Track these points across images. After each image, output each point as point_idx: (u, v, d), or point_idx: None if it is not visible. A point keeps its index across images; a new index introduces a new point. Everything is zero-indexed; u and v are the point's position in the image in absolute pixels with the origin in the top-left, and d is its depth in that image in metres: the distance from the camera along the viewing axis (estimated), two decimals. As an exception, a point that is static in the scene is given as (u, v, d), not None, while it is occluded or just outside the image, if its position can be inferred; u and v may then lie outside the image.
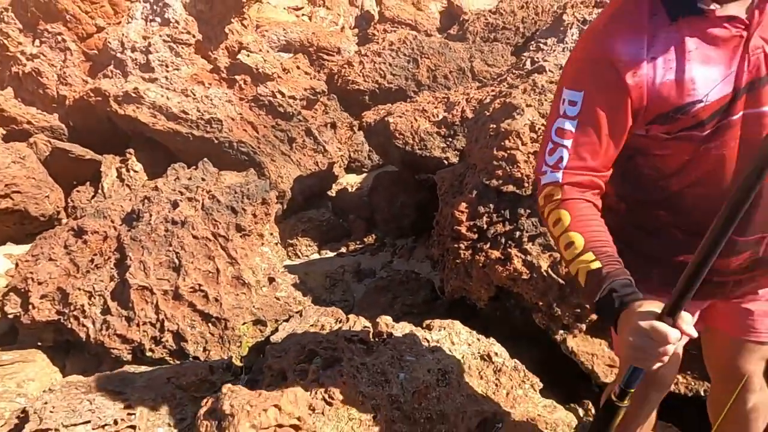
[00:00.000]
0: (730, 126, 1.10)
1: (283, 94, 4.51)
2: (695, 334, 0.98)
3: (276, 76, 4.59)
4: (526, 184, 2.36)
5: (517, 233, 2.37)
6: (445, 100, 3.62)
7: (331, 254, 4.08)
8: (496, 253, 2.41)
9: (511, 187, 2.38)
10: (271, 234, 3.30)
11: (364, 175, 5.08)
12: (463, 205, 2.49)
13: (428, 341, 2.24)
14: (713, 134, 1.10)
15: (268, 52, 5.15)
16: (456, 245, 2.51)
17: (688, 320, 0.95)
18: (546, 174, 1.15)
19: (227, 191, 3.03)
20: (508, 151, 2.38)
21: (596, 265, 1.05)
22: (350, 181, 5.01)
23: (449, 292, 2.61)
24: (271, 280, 3.04)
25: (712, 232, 0.85)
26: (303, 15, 9.04)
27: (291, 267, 3.79)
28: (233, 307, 2.83)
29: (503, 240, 2.40)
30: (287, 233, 4.12)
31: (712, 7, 1.04)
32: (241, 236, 2.97)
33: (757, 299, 1.37)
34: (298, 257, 4.04)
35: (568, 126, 1.12)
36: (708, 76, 1.07)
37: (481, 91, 3.59)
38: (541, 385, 2.21)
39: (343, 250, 4.10)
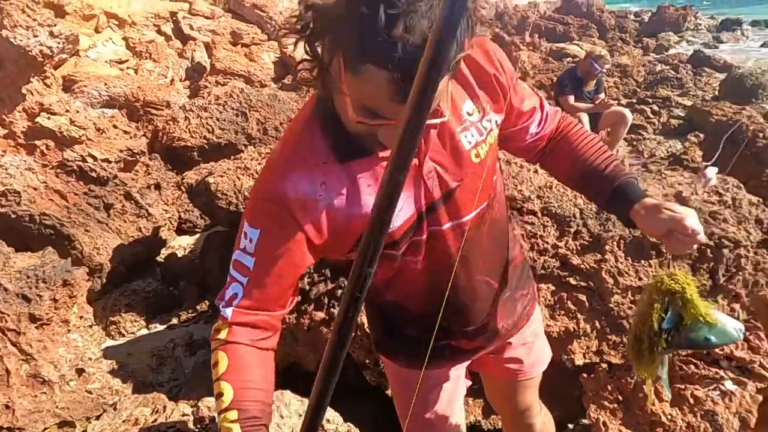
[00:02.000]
0: (420, 244, 1.15)
1: (94, 158, 4.13)
2: None
3: (85, 138, 4.20)
4: (343, 241, 2.33)
5: (339, 291, 2.33)
6: (268, 155, 3.54)
7: (161, 327, 3.74)
8: (320, 315, 2.34)
9: (328, 245, 2.33)
10: (81, 317, 2.93)
11: (198, 235, 4.80)
12: (283, 267, 2.39)
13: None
14: (408, 251, 1.15)
15: (78, 112, 4.73)
16: (280, 310, 2.40)
17: None
18: (220, 306, 1.09)
19: (17, 277, 2.64)
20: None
21: (235, 429, 0.99)
22: (182, 243, 4.70)
23: (278, 361, 2.47)
24: (80, 371, 2.68)
25: (317, 384, 0.79)
26: (128, 68, 8.52)
27: (111, 349, 3.40)
28: (30, 412, 2.43)
29: (326, 300, 2.34)
30: (108, 310, 3.71)
31: (373, 149, 1.05)
32: (37, 327, 2.59)
33: (512, 347, 1.48)
34: (123, 335, 3.65)
35: (246, 262, 1.06)
36: None
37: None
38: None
39: (175, 321, 3.78)
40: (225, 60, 9.05)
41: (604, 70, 5.76)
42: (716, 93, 9.12)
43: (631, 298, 2.24)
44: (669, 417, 1.90)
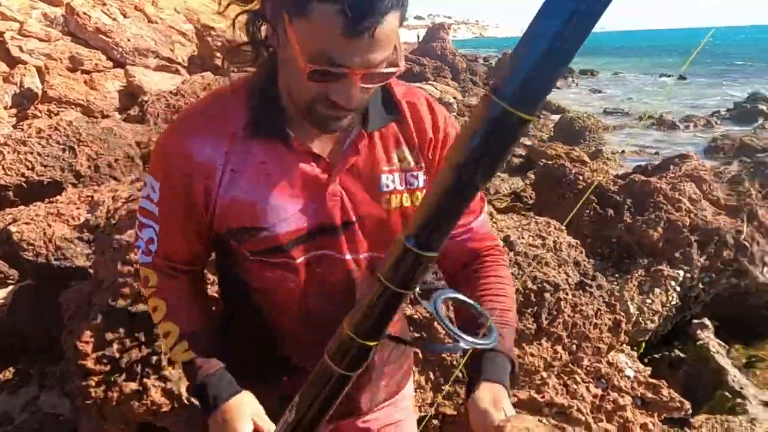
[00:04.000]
0: (303, 264, 1.06)
1: None
2: None
3: None
4: (159, 301, 2.09)
5: (155, 357, 2.07)
6: (89, 199, 3.18)
7: (-49, 403, 3.13)
8: (132, 386, 2.06)
9: (141, 306, 2.08)
10: None
11: (10, 288, 4.18)
12: (88, 333, 2.09)
13: None
14: (297, 267, 1.07)
15: None
16: (85, 383, 2.08)
17: None
18: (140, 253, 1.12)
19: None
20: (134, 266, 2.09)
21: (189, 356, 1.06)
22: (-12, 297, 4.05)
23: (83, 442, 2.14)
24: None
25: None
26: (-62, 92, 7.45)
27: None
28: None
29: (139, 368, 2.07)
30: None
31: (292, 134, 1.00)
32: None
33: (392, 421, 1.33)
34: None
35: (153, 209, 1.07)
36: (279, 206, 1.01)
37: (133, 185, 3.24)
38: None
39: (-32, 394, 3.20)
40: (60, 87, 8.26)
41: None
42: (551, 134, 10.03)
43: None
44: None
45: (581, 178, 3.95)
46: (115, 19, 10.26)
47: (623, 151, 9.88)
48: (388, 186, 1.06)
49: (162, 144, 1.06)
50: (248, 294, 1.13)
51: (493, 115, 0.52)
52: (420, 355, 2.23)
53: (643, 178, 3.74)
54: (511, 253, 2.51)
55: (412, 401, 1.48)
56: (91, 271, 2.92)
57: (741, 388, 2.98)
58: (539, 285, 2.40)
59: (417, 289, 0.67)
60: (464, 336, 0.71)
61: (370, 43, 0.83)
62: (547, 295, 2.38)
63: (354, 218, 1.05)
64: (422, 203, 0.63)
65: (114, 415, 2.08)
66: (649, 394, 2.23)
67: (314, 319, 1.09)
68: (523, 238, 2.69)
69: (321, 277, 1.07)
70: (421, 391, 2.21)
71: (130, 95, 8.97)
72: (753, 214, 3.62)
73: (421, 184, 1.09)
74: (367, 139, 1.03)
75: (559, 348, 2.33)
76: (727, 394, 2.96)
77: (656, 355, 3.52)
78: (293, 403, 0.77)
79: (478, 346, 0.75)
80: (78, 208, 3.14)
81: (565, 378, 2.11)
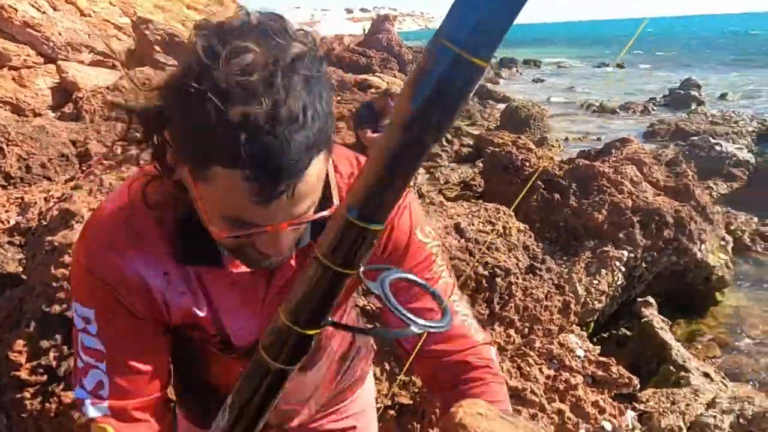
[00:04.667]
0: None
1: None
2: None
3: None
4: (98, 304, 1.98)
5: (96, 364, 1.97)
6: (19, 201, 2.99)
7: None
8: (71, 395, 1.95)
9: (78, 311, 1.96)
10: None
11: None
12: (20, 342, 1.96)
13: None
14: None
15: None
16: (19, 396, 1.95)
17: None
18: (86, 404, 0.89)
19: None
20: (69, 268, 1.98)
21: None
22: None
23: (20, 458, 2.01)
24: None
25: None
26: None
27: None
28: None
29: (79, 376, 1.96)
30: None
31: (226, 256, 0.88)
32: None
33: (340, 417, 1.29)
34: None
35: (94, 345, 0.88)
36: (227, 321, 0.96)
37: (67, 185, 3.08)
38: None
39: None
40: (-14, 84, 7.78)
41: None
42: (498, 122, 10.19)
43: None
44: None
45: (528, 164, 4.01)
46: (44, 13, 9.73)
47: (567, 138, 10.15)
48: None
49: (86, 265, 0.88)
50: (191, 357, 1.07)
51: (442, 63, 0.46)
52: (374, 345, 2.20)
53: (587, 162, 3.83)
54: (462, 240, 2.51)
55: (370, 400, 1.41)
56: (24, 277, 2.76)
57: (684, 361, 3.10)
58: (490, 270, 2.42)
59: (362, 269, 0.60)
60: (416, 319, 0.65)
61: (291, 202, 0.70)
62: (499, 279, 2.39)
63: None
64: (364, 170, 0.56)
65: (53, 428, 1.97)
66: (600, 372, 2.28)
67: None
68: (473, 224, 2.70)
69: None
70: (377, 382, 2.19)
71: (64, 92, 8.56)
72: (690, 194, 3.76)
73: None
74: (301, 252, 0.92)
75: (511, 332, 2.35)
76: (671, 368, 3.07)
77: (604, 334, 3.63)
78: (226, 404, 0.71)
79: (432, 329, 0.69)
80: (7, 211, 2.95)
81: (519, 361, 2.13)
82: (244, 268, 0.89)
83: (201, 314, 0.92)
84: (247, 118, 0.63)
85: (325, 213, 0.75)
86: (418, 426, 2.00)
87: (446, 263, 1.03)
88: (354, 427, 1.31)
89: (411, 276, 0.76)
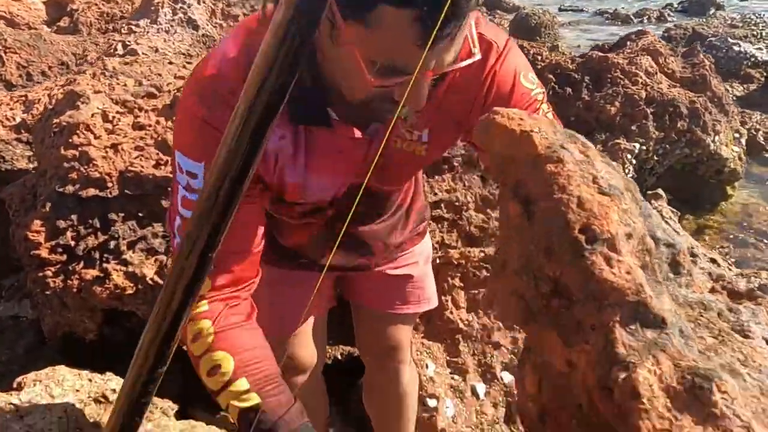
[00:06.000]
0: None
1: None
2: None
3: None
4: (110, 184, 1.99)
5: (113, 243, 2.00)
6: (23, 99, 2.95)
7: None
8: (92, 272, 2.00)
9: (92, 191, 1.98)
10: None
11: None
12: (38, 223, 1.99)
13: (16, 407, 1.73)
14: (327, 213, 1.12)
15: None
16: (41, 274, 2.01)
17: None
18: None
19: None
20: (79, 149, 1.97)
21: (253, 398, 0.87)
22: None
23: (48, 332, 2.10)
24: None
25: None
26: None
27: None
28: None
29: (97, 254, 2.00)
30: None
31: (335, 117, 0.91)
32: None
33: (398, 266, 1.38)
34: None
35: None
36: (324, 185, 1.02)
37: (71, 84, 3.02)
38: (176, 407, 1.93)
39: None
40: (-23, -2, 7.50)
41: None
42: (508, 31, 9.84)
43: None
44: (466, 322, 1.95)
45: (540, 58, 3.89)
46: None
47: (579, 46, 9.80)
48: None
49: (198, 116, 0.85)
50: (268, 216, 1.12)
51: None
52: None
53: (600, 54, 3.71)
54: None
55: (428, 265, 1.51)
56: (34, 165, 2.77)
57: (692, 247, 3.13)
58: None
59: None
60: None
61: (446, 47, 0.70)
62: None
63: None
64: None
65: (76, 303, 2.03)
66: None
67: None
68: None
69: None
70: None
71: (57, 5, 8.26)
72: (707, 85, 3.66)
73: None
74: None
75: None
76: (679, 254, 3.10)
77: (613, 227, 3.64)
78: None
79: None
80: (12, 109, 2.92)
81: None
82: (351, 132, 0.93)
83: (298, 182, 0.97)
84: None
85: (469, 61, 0.75)
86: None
87: (551, 109, 1.04)
88: (411, 276, 1.41)
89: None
